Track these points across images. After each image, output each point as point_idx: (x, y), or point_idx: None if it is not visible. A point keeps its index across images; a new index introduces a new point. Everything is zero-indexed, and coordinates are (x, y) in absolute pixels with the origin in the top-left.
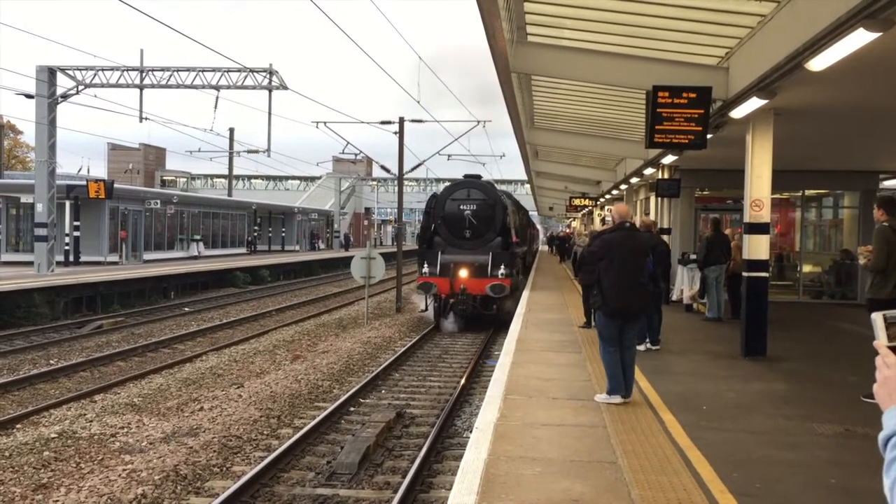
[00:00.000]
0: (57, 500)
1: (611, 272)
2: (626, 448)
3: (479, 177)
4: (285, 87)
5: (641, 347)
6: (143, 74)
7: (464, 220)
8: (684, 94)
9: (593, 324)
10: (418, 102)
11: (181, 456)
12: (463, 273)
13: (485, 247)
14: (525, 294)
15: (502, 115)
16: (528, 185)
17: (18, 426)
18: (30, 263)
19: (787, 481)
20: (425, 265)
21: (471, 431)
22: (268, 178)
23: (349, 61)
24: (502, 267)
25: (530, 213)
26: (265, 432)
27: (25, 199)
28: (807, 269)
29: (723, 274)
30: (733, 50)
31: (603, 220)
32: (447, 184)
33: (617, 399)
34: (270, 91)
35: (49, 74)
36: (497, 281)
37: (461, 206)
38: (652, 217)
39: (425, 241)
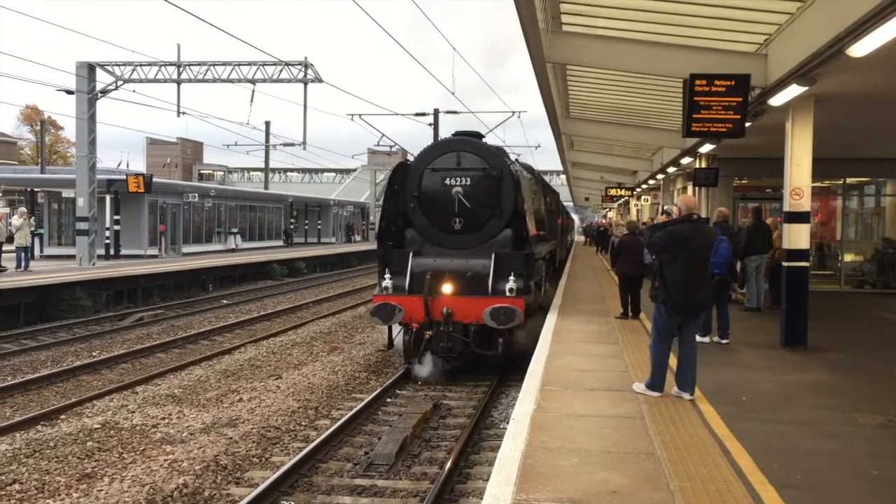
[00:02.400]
0: (101, 490)
1: (677, 265)
2: (664, 439)
3: (478, 135)
4: (320, 80)
5: (706, 339)
6: (181, 69)
7: (451, 203)
8: (722, 82)
9: (630, 314)
10: (453, 94)
11: (221, 446)
12: (447, 288)
13: (484, 245)
14: (561, 284)
15: (537, 105)
16: (563, 176)
17: (63, 417)
18: (72, 257)
19: (828, 473)
20: (387, 275)
21: (508, 422)
22: (304, 170)
23: (384, 53)
24: (512, 278)
25: (567, 204)
26: (303, 423)
27: (67, 193)
28: (848, 258)
29: (763, 264)
30: (772, 36)
31: (664, 211)
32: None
33: (655, 394)
34: (306, 84)
35: (89, 70)
36: (502, 302)
37: (447, 181)
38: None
39: (388, 237)
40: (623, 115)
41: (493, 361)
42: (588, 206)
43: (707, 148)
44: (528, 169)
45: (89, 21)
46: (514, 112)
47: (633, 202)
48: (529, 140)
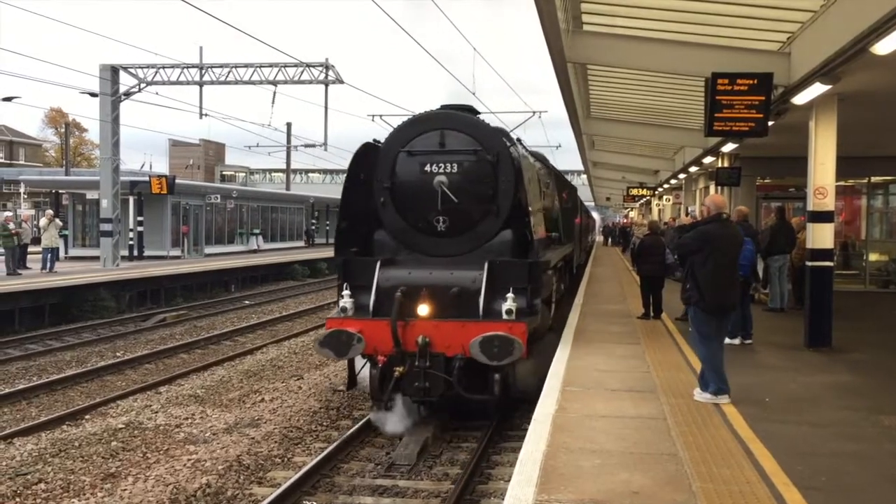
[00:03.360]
0: (125, 490)
1: (709, 266)
2: (686, 440)
3: (470, 109)
4: (341, 82)
5: (736, 341)
6: (203, 71)
7: (432, 197)
8: (744, 81)
9: (652, 314)
10: (473, 94)
11: (244, 446)
12: (424, 310)
13: (476, 251)
14: (582, 285)
15: (558, 105)
16: (584, 176)
17: (87, 417)
18: (96, 258)
19: (853, 474)
20: (345, 290)
21: (529, 423)
22: (325, 171)
23: (404, 54)
24: (510, 296)
25: (588, 204)
26: (325, 423)
27: (91, 195)
28: (873, 257)
29: (786, 264)
30: (795, 34)
31: (687, 212)
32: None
33: (724, 399)
34: (327, 85)
35: (112, 73)
36: (497, 328)
37: (428, 167)
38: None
39: (351, 241)
40: (644, 115)
41: (485, 407)
42: (609, 205)
43: (729, 147)
44: (539, 157)
45: (112, 24)
46: (534, 112)
47: (654, 202)
48: (550, 140)
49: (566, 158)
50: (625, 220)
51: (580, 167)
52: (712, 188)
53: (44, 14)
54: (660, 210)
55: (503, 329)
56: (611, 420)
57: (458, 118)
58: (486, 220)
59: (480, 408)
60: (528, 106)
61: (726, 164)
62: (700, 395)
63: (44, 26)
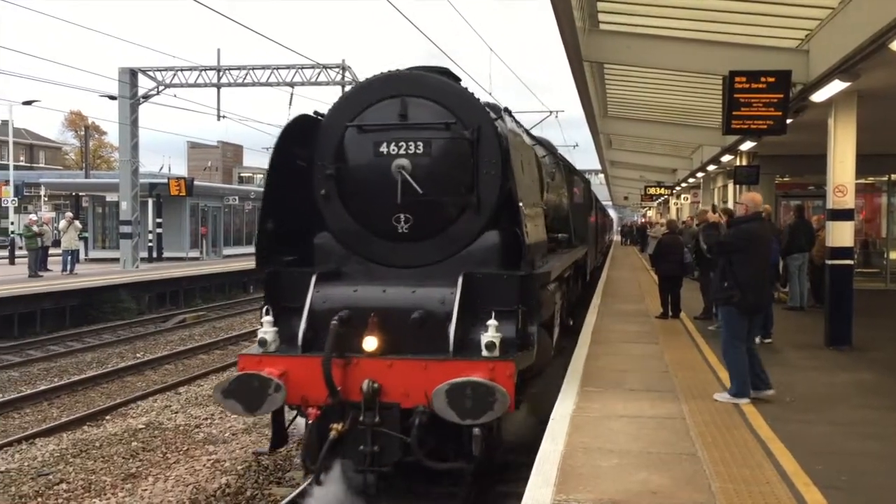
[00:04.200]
0: (145, 490)
1: (750, 265)
2: (705, 440)
3: (447, 73)
4: (358, 82)
5: (755, 340)
6: (220, 74)
7: (390, 187)
8: (762, 79)
9: (670, 314)
10: (490, 94)
11: (263, 446)
12: (371, 343)
13: (450, 260)
14: (599, 285)
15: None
16: (602, 175)
17: (108, 417)
18: (116, 260)
19: (874, 474)
20: (265, 316)
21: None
22: None
23: (419, 54)
24: (493, 323)
25: (605, 203)
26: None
27: (110, 197)
28: (894, 255)
29: (806, 262)
30: (814, 32)
31: (714, 209)
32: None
33: (745, 401)
34: (343, 86)
35: (131, 76)
36: (472, 370)
37: (383, 147)
38: (730, 205)
39: (278, 247)
40: (662, 114)
41: (464, 475)
42: (627, 204)
43: (748, 145)
44: (544, 144)
45: (131, 27)
46: (551, 112)
47: (672, 201)
48: (567, 139)
49: (583, 158)
50: (643, 220)
51: (597, 166)
52: (730, 187)
53: (64, 18)
54: (678, 209)
55: (481, 371)
56: (629, 420)
57: (425, 81)
58: (463, 217)
59: (454, 476)
60: (544, 105)
61: (745, 163)
62: (720, 396)
63: (63, 30)
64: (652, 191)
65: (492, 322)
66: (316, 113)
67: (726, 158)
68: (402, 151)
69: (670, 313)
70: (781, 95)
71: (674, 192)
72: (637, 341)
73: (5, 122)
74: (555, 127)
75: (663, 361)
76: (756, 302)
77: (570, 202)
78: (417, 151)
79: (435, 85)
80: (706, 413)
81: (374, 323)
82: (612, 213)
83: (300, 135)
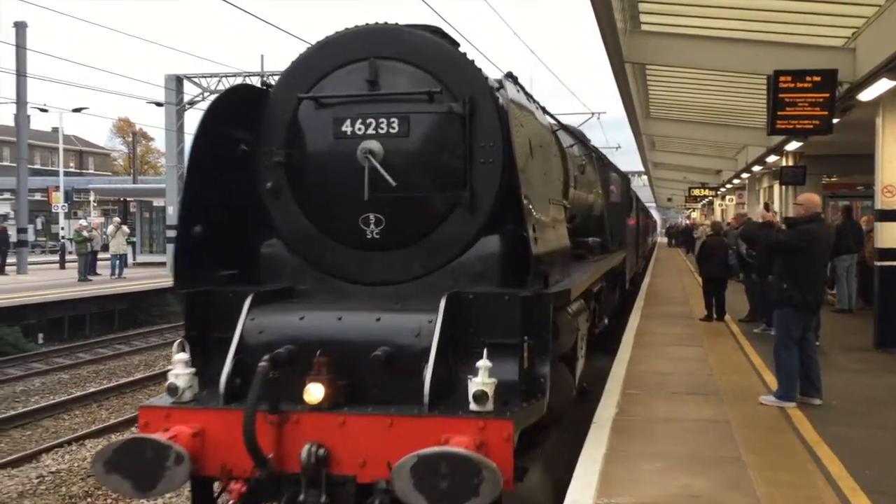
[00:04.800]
0: None
1: (810, 265)
2: (750, 444)
3: (438, 32)
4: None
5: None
6: (264, 79)
7: (355, 179)
8: (808, 78)
9: (715, 316)
10: (530, 97)
11: None
12: (316, 392)
13: (434, 274)
14: (643, 287)
15: (616, 105)
16: (645, 177)
17: None
18: (163, 264)
19: None
20: (178, 354)
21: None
22: None
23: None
24: (484, 364)
25: (648, 205)
26: None
27: (157, 202)
28: None
29: (854, 264)
30: (860, 29)
31: (767, 208)
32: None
33: (791, 404)
34: None
35: (177, 83)
36: (453, 428)
37: (345, 126)
38: (776, 207)
39: (191, 259)
40: (705, 114)
41: None
42: (671, 206)
43: (794, 146)
44: (572, 131)
45: (176, 35)
46: (593, 113)
47: (717, 202)
48: (610, 141)
49: (626, 160)
50: (688, 221)
51: (640, 168)
52: (776, 188)
53: (112, 27)
54: (723, 210)
55: (467, 434)
56: (672, 423)
57: (403, 38)
58: (452, 219)
59: None
60: (586, 107)
61: (791, 163)
62: (765, 399)
63: (111, 39)
64: (696, 192)
65: (483, 363)
66: (264, 84)
67: (772, 159)
68: (370, 131)
69: (715, 315)
70: (827, 95)
71: (718, 193)
72: (681, 344)
73: (56, 130)
74: (597, 129)
75: (707, 364)
76: (816, 302)
77: (606, 201)
78: (391, 131)
79: (415, 43)
80: (751, 416)
81: (321, 364)
82: (655, 214)
83: (240, 111)
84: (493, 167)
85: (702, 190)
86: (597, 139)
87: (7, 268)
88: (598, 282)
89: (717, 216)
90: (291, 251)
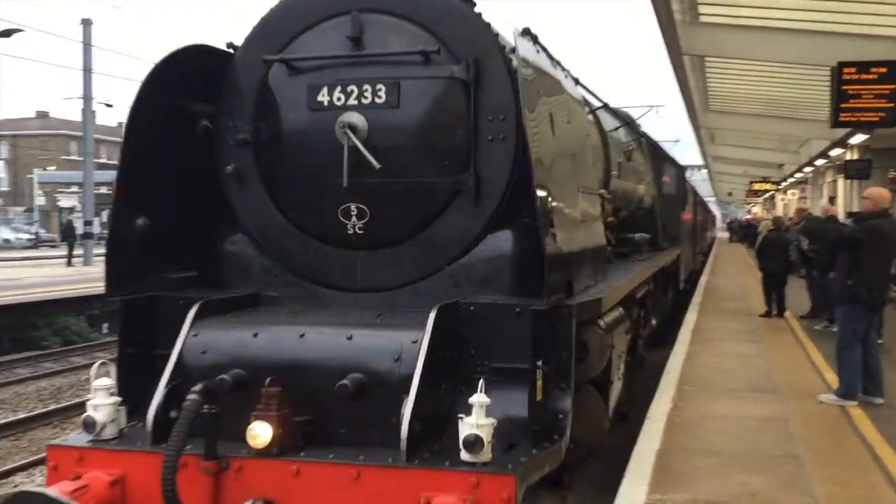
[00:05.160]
0: None
1: (876, 261)
2: (809, 443)
3: None
4: None
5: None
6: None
7: (333, 159)
8: (873, 70)
9: (775, 312)
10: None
11: None
12: (263, 433)
13: (432, 280)
14: (700, 282)
15: (675, 99)
16: (704, 171)
17: None
18: None
19: None
20: (97, 380)
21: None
22: None
23: None
24: (480, 400)
25: (708, 200)
26: None
27: None
28: None
29: None
30: None
31: (832, 201)
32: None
33: (852, 403)
34: None
35: None
36: (436, 486)
37: (322, 95)
38: (840, 201)
39: (131, 258)
40: (767, 107)
41: None
42: (731, 200)
43: (859, 138)
44: (618, 113)
45: (229, 29)
46: (651, 107)
47: (778, 196)
48: (668, 135)
49: (685, 153)
50: (749, 216)
51: (700, 162)
52: (840, 182)
53: (169, 21)
54: (784, 205)
55: (456, 490)
56: (729, 420)
57: None
58: (453, 210)
59: None
60: (644, 100)
61: (856, 157)
62: (825, 397)
63: (175, 34)
64: (757, 186)
65: (477, 399)
66: (229, 45)
67: (836, 152)
68: (351, 101)
69: (775, 311)
70: (893, 86)
71: (780, 187)
72: (739, 340)
73: (121, 125)
74: (655, 121)
75: (766, 360)
76: (882, 299)
77: (658, 193)
78: (377, 101)
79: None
80: (810, 414)
81: (271, 395)
82: (715, 209)
83: (198, 77)
84: (504, 146)
85: (763, 184)
86: (655, 132)
87: (73, 259)
88: (643, 284)
89: (779, 211)
90: (259, 249)
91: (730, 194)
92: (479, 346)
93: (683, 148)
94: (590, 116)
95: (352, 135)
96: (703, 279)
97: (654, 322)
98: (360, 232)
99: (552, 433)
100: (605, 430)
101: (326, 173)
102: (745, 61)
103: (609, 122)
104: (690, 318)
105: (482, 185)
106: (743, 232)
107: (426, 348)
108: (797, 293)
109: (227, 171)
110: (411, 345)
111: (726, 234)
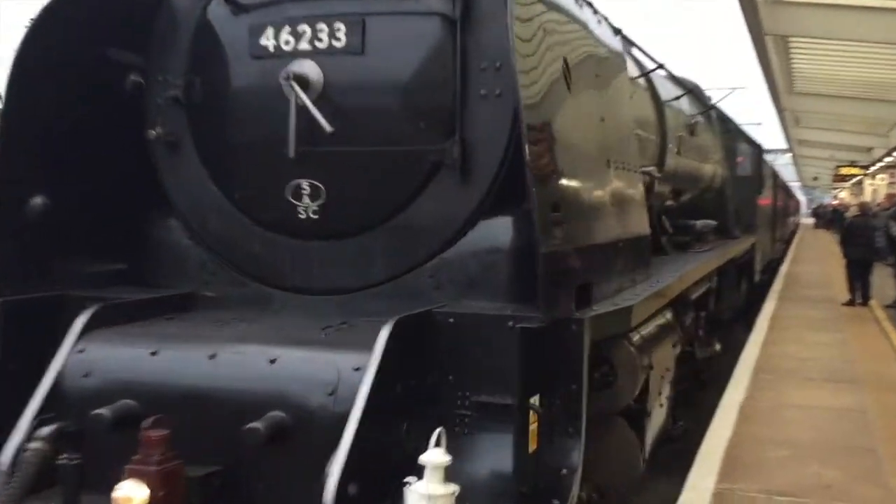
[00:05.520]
0: None
1: None
2: (887, 434)
3: None
4: None
5: None
6: None
7: (278, 122)
8: None
9: (858, 300)
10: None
11: None
12: (130, 495)
13: (407, 279)
14: (781, 270)
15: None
16: (788, 155)
17: None
18: None
19: None
20: None
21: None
22: None
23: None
24: (435, 459)
25: (792, 185)
26: None
27: None
28: None
29: None
30: None
31: None
32: None
33: None
34: None
35: None
36: None
37: (265, 38)
38: None
39: (22, 248)
40: (855, 88)
41: None
42: (816, 185)
43: None
44: (682, 82)
45: None
46: (732, 89)
47: (867, 181)
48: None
49: (768, 137)
50: (836, 202)
51: (783, 145)
52: None
53: None
54: (873, 190)
55: None
56: (804, 410)
57: None
58: (433, 188)
59: None
60: (722, 82)
61: None
62: None
63: None
64: (844, 171)
65: (430, 459)
66: None
67: None
68: (303, 45)
69: (858, 300)
70: None
71: (868, 171)
72: (819, 328)
73: None
74: (737, 104)
75: (847, 350)
76: None
77: (731, 174)
78: (335, 44)
79: None
80: (891, 406)
81: (151, 443)
82: (799, 194)
83: (121, 22)
84: (500, 104)
85: (850, 168)
86: (736, 115)
87: None
88: (703, 281)
89: (867, 196)
90: (196, 238)
91: (815, 179)
92: (460, 373)
93: (766, 131)
94: (641, 81)
95: (297, 88)
96: (784, 267)
97: (717, 347)
98: (315, 217)
99: (551, 497)
100: (640, 473)
101: (272, 141)
102: (831, 41)
103: (668, 90)
104: (769, 306)
105: (472, 156)
106: (828, 218)
107: (372, 377)
108: (884, 281)
109: (152, 137)
110: (352, 373)
111: (811, 220)
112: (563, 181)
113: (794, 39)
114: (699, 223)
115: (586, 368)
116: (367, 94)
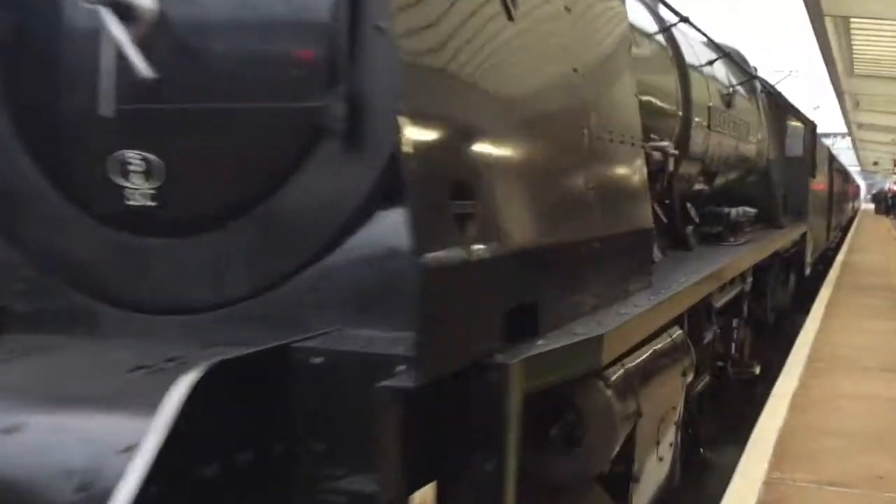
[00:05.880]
0: None
1: None
2: None
3: None
4: None
5: None
6: None
7: (93, 69)
8: None
9: None
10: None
11: None
12: None
13: (279, 295)
14: (839, 258)
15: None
16: (848, 139)
17: None
18: None
19: None
20: None
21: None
22: None
23: None
24: None
25: (850, 169)
26: None
27: None
28: None
29: None
30: None
31: None
32: None
33: None
34: None
35: None
36: None
37: None
38: None
39: None
40: None
41: None
42: (877, 170)
43: None
44: (726, 50)
45: None
46: (790, 72)
47: None
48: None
49: (826, 120)
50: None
51: (842, 129)
52: None
53: None
54: None
55: None
56: (859, 400)
57: None
58: (311, 164)
59: None
60: (776, 64)
61: None
62: None
63: None
64: None
65: None
66: None
67: None
68: None
69: None
70: None
71: None
72: (875, 316)
73: None
74: (793, 85)
75: None
76: None
77: (779, 155)
78: None
79: None
80: None
81: None
82: (859, 179)
83: None
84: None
85: None
86: (793, 97)
87: None
88: (733, 283)
89: None
90: (5, 232)
91: (875, 164)
92: (331, 443)
93: (823, 115)
94: (660, 38)
95: (109, 18)
96: (840, 255)
97: (756, 369)
98: (152, 204)
99: None
100: None
101: (90, 97)
102: (895, 22)
103: (697, 53)
104: (824, 293)
105: (364, 117)
106: (889, 203)
107: (149, 462)
108: None
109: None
110: (115, 456)
111: (871, 206)
112: (481, 149)
113: (855, 20)
114: (734, 211)
115: (514, 437)
116: (217, 29)
